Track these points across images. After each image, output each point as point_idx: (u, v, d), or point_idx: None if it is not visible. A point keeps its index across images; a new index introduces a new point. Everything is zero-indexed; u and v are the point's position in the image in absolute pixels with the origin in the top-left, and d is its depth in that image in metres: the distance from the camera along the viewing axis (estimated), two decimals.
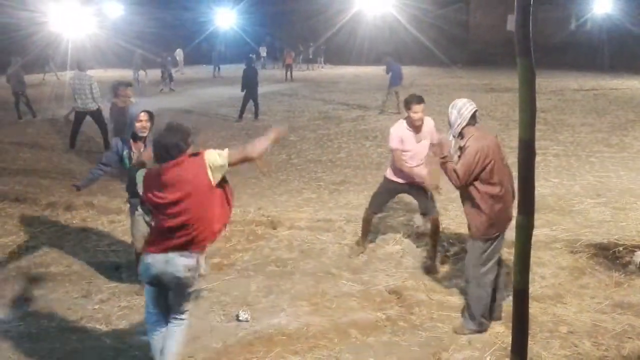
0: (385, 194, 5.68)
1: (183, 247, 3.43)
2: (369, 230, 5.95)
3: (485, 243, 4.14)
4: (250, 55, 20.66)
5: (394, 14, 31.54)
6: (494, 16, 36.44)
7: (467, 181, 4.04)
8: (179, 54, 31.81)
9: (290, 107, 17.59)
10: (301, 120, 15.01)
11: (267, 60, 36.72)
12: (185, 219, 3.37)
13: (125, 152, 4.84)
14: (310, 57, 35.48)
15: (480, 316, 4.24)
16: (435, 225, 5.50)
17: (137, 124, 4.76)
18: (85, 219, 6.89)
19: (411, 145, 5.35)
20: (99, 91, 10.86)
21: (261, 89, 15.60)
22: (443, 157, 4.13)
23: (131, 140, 4.84)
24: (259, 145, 3.60)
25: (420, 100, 5.25)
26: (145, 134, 4.81)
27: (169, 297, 3.63)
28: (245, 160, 3.55)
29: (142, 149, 4.79)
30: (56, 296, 4.94)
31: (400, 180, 5.46)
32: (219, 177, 3.44)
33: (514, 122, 11.36)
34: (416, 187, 5.45)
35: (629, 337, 4.19)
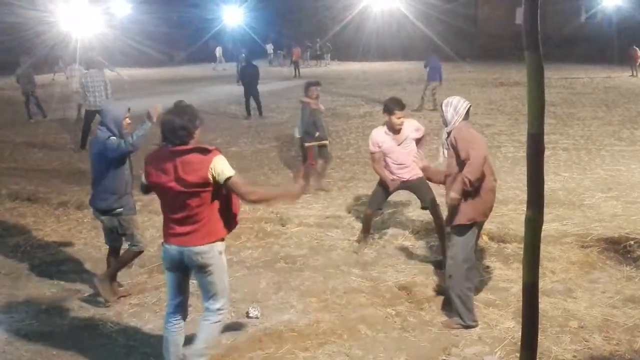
0: (383, 191, 5.67)
1: (191, 238, 3.41)
2: (370, 227, 5.94)
3: (466, 229, 4.16)
4: (242, 54, 20.83)
5: (401, 9, 31.49)
6: (502, 10, 36.27)
7: (485, 153, 4.06)
8: (219, 51, 32.33)
9: (298, 104, 17.53)
10: None
11: (275, 57, 36.77)
12: (186, 211, 3.37)
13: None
14: (318, 53, 35.49)
15: (466, 314, 4.23)
16: (439, 218, 5.44)
17: (124, 122, 4.61)
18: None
19: (391, 148, 5.43)
20: (111, 89, 10.99)
21: (269, 86, 15.58)
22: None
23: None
24: (264, 194, 3.57)
25: (402, 106, 5.39)
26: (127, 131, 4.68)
27: (198, 285, 3.62)
28: (241, 197, 3.45)
29: None
30: (68, 294, 4.98)
31: (396, 177, 5.49)
32: (216, 184, 3.36)
33: (524, 116, 11.29)
34: (412, 184, 5.49)
35: None
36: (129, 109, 4.68)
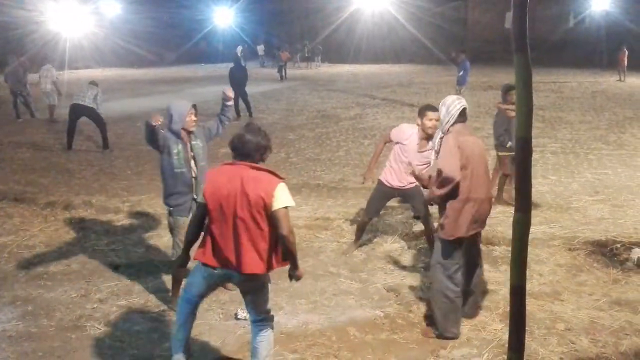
0: (379, 199, 5.66)
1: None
2: (362, 233, 5.93)
3: (450, 244, 4.05)
4: (241, 49, 20.16)
5: (391, 12, 31.59)
6: (492, 14, 36.47)
7: (456, 169, 3.89)
8: (239, 50, 32.44)
9: (288, 106, 17.58)
10: (300, 119, 15.01)
11: (266, 58, 36.72)
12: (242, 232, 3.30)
13: (180, 147, 4.52)
14: (307, 55, 35.49)
15: (443, 324, 4.16)
16: (429, 228, 5.49)
17: (188, 119, 4.52)
18: (84, 219, 6.89)
19: (410, 151, 5.29)
20: (102, 99, 11.10)
21: (260, 87, 15.51)
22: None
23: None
24: (295, 244, 3.40)
25: (435, 109, 5.13)
26: (194, 129, 4.61)
27: (245, 299, 3.58)
28: (281, 230, 3.28)
29: (189, 146, 4.59)
30: (55, 295, 4.94)
31: (393, 184, 5.46)
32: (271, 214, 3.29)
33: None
34: (409, 192, 5.46)
35: (627, 334, 4.21)
36: (193, 106, 4.60)
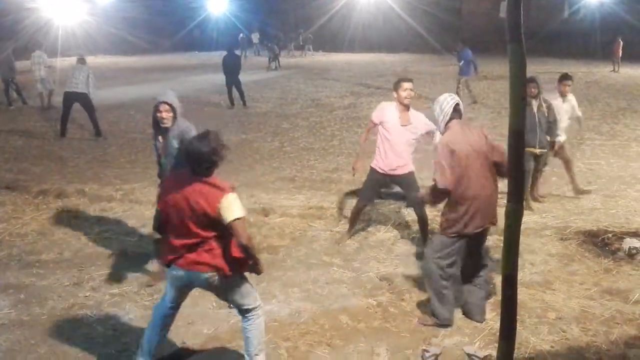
0: (372, 185, 5.65)
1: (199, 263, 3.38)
2: (357, 221, 5.93)
3: (448, 239, 4.08)
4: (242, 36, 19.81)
5: (387, 1, 31.48)
6: (486, 3, 36.34)
7: (449, 179, 3.93)
8: (241, 38, 32.45)
9: (282, 94, 17.52)
10: (294, 108, 14.97)
11: (260, 47, 36.50)
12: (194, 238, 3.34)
13: (156, 143, 4.81)
14: (301, 43, 35.41)
15: (440, 313, 4.18)
16: (422, 218, 5.51)
17: (157, 115, 4.60)
18: (76, 207, 6.86)
19: (394, 126, 5.28)
20: (95, 81, 11.02)
21: (254, 76, 15.39)
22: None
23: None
24: (254, 248, 3.43)
25: (409, 79, 5.33)
26: (167, 125, 4.61)
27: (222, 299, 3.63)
28: (238, 240, 3.30)
29: (161, 140, 4.72)
30: (47, 283, 4.93)
31: (384, 169, 5.44)
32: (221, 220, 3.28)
33: (506, 109, 11.32)
34: (402, 179, 5.46)
35: (617, 323, 4.25)
36: (164, 102, 4.55)
